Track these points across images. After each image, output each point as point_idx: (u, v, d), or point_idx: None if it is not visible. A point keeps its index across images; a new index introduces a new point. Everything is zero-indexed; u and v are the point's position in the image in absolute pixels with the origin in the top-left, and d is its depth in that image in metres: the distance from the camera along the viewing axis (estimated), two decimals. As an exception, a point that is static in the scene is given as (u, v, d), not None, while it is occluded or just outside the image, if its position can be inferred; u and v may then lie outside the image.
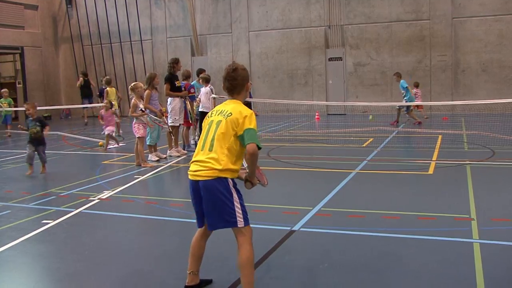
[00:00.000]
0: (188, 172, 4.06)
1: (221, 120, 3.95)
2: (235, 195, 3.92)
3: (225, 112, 3.98)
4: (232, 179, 3.94)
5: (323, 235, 5.87)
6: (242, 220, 3.92)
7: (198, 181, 3.93)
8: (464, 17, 22.01)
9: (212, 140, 3.93)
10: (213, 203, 3.91)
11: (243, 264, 3.90)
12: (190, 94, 12.82)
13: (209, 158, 3.91)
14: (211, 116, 4.10)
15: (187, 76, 12.93)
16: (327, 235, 5.85)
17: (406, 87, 17.66)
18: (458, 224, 6.04)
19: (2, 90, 19.14)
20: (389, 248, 5.32)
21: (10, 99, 19.62)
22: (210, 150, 3.93)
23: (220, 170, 3.86)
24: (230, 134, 3.90)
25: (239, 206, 3.92)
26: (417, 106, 18.61)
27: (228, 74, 4.10)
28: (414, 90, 19.11)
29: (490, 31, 21.69)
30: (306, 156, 11.59)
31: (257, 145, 3.87)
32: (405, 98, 17.56)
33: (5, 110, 11.79)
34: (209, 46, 26.65)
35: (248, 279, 3.90)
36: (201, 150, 4.00)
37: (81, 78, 23.75)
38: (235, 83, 4.09)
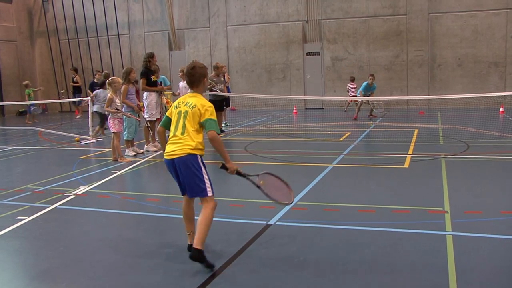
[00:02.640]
0: (164, 154, 4.84)
1: (187, 111, 4.79)
2: (203, 169, 4.74)
3: (189, 104, 4.81)
4: (201, 156, 4.77)
5: (299, 228, 5.91)
6: (210, 189, 4.74)
7: (173, 159, 4.72)
8: (440, 13, 22.27)
9: (184, 126, 4.76)
10: (187, 175, 4.71)
11: (200, 221, 4.61)
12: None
13: (183, 140, 4.74)
14: (179, 107, 4.88)
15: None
16: (303, 229, 5.90)
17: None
18: (432, 216, 6.13)
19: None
20: (365, 241, 5.38)
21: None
22: (183, 134, 4.75)
23: (191, 149, 4.70)
24: (196, 121, 4.76)
25: (207, 178, 4.75)
26: (352, 99, 19.95)
27: (188, 71, 4.93)
28: (350, 84, 20.90)
29: (466, 26, 21.98)
30: (283, 151, 11.63)
31: (216, 132, 4.70)
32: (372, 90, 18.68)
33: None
34: (187, 41, 26.53)
35: (200, 235, 4.55)
36: (174, 135, 4.80)
37: (77, 76, 24.45)
38: (193, 79, 4.92)
